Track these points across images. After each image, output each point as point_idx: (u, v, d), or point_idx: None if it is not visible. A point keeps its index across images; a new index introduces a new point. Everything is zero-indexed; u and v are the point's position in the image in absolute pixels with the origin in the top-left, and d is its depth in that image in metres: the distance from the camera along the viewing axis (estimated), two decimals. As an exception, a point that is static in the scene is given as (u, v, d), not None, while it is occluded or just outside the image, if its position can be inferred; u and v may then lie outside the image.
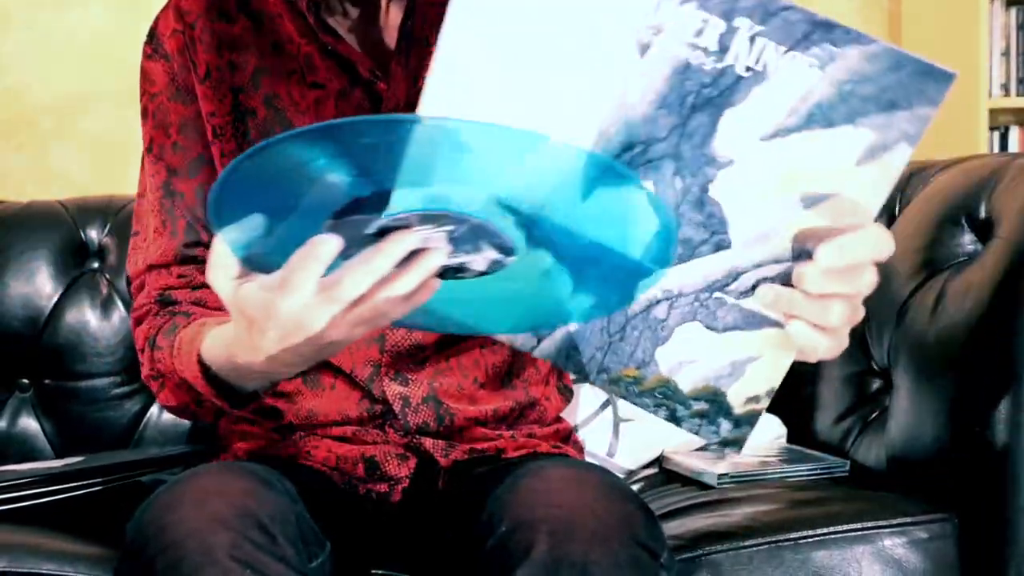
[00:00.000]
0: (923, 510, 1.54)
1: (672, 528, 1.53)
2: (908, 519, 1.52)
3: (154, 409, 2.10)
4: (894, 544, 1.51)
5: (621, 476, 1.81)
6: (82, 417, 2.08)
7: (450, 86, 0.97)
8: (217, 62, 1.49)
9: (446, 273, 1.04)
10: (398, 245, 1.00)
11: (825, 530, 1.51)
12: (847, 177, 1.00)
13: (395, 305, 1.05)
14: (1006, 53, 3.20)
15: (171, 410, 1.49)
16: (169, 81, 1.51)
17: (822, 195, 1.01)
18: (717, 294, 1.07)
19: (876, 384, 1.78)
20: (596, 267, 1.01)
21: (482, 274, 1.04)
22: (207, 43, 1.49)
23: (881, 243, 1.03)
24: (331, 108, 1.48)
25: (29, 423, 2.09)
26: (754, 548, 1.48)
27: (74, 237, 2.15)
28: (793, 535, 1.50)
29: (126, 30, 2.97)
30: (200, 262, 1.52)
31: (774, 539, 1.49)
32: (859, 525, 1.51)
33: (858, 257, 1.02)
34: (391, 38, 1.50)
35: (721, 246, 1.04)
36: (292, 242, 1.02)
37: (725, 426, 1.15)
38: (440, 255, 1.01)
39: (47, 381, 2.10)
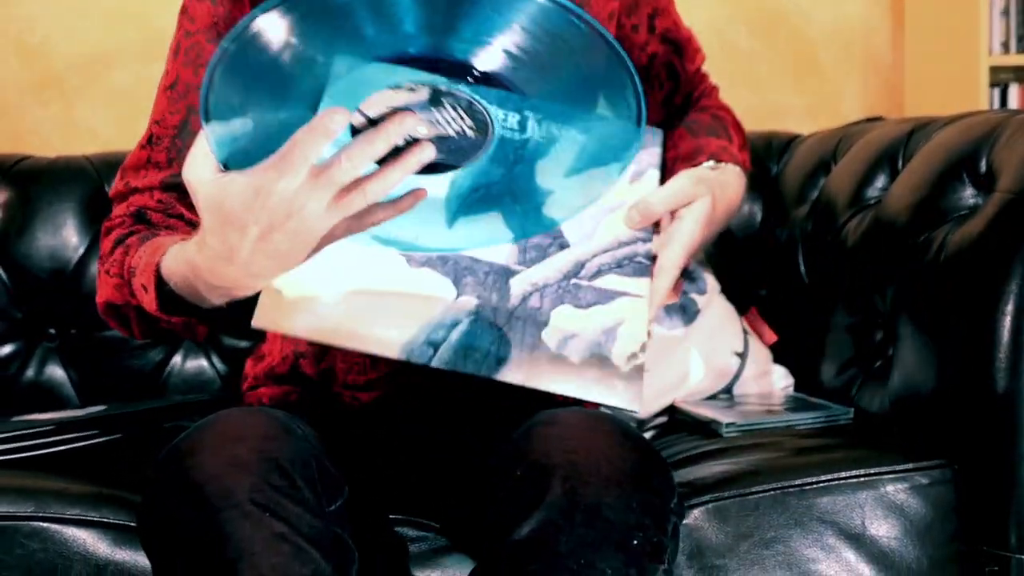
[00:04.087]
0: (924, 456, 1.55)
1: (681, 475, 1.54)
2: (910, 465, 1.53)
3: (177, 358, 2.13)
4: (896, 490, 1.52)
5: (633, 425, 1.83)
6: (107, 366, 2.10)
7: None
8: None
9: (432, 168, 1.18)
10: (398, 127, 1.06)
11: (829, 476, 1.51)
12: (628, 190, 1.40)
13: (383, 209, 1.13)
14: (1006, 12, 3.21)
15: (104, 309, 1.45)
16: (211, 23, 1.48)
17: (618, 204, 1.39)
18: (573, 280, 1.35)
19: (879, 334, 1.78)
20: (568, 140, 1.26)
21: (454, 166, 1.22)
22: None
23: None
24: None
25: (56, 371, 2.11)
26: (760, 494, 1.50)
27: (100, 190, 2.16)
28: (798, 481, 1.51)
29: (150, -13, 2.99)
30: (183, 192, 1.48)
31: (780, 485, 1.51)
32: (862, 471, 1.52)
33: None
34: None
35: (564, 245, 1.36)
36: (281, 136, 1.07)
37: (619, 385, 1.30)
38: (431, 149, 1.11)
39: (73, 331, 2.11)
